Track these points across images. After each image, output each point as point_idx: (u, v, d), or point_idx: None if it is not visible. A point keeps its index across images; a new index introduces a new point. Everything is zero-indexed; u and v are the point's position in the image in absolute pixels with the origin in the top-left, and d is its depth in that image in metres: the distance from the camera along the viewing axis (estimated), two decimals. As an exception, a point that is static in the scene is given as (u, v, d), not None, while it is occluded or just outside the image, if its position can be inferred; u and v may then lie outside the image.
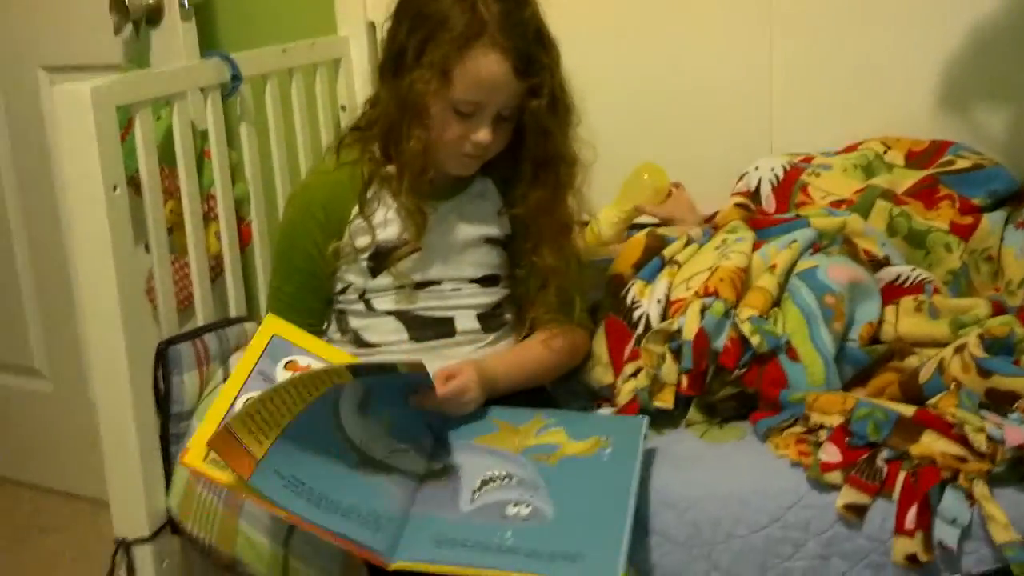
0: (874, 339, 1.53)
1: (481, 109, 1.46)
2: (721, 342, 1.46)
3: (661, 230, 1.76)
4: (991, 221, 1.72)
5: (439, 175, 1.55)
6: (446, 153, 1.51)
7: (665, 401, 1.47)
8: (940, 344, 1.48)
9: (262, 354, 1.40)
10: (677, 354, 1.48)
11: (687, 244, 1.69)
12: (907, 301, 1.56)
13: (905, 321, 1.54)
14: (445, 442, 1.42)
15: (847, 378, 1.48)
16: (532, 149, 1.52)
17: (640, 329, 1.57)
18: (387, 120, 1.51)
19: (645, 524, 1.34)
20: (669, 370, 1.47)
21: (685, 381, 1.47)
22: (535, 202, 1.54)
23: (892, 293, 1.60)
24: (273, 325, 1.45)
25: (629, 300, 1.61)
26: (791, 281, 1.54)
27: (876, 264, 1.63)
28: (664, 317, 1.56)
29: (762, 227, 1.70)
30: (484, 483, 1.34)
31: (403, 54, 1.48)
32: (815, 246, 1.61)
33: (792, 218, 1.73)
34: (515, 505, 1.30)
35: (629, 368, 1.55)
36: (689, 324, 1.47)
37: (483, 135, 1.47)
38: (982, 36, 1.88)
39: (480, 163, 1.54)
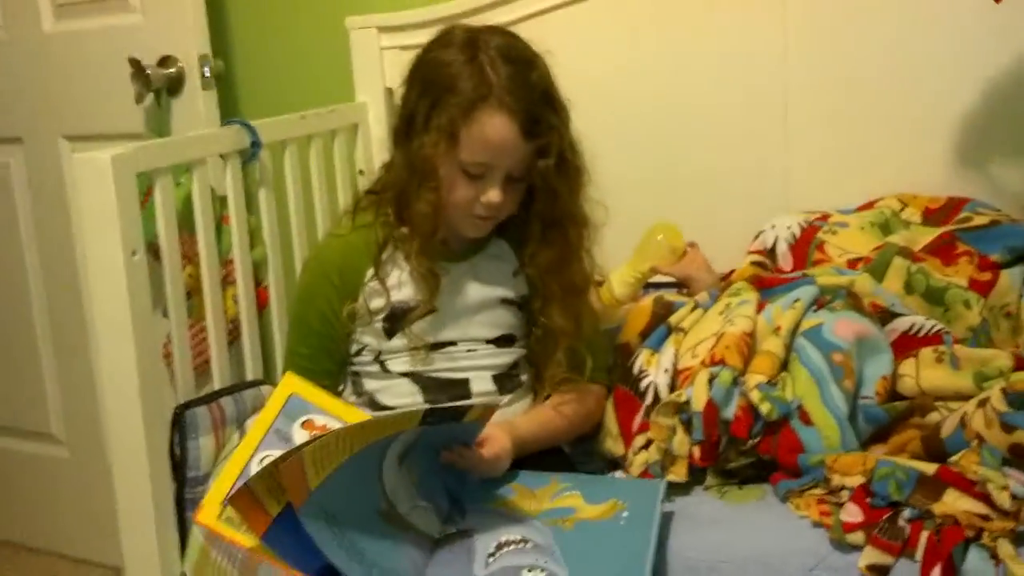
0: (893, 394, 1.52)
1: (490, 171, 1.47)
2: (731, 411, 1.45)
3: (668, 296, 1.76)
4: (1010, 277, 1.71)
5: (453, 237, 1.56)
6: (458, 215, 1.52)
7: (678, 475, 1.46)
8: (964, 397, 1.46)
9: (279, 413, 1.40)
10: (687, 426, 1.46)
11: (694, 309, 1.68)
12: (927, 353, 1.55)
13: (927, 374, 1.52)
14: (460, 505, 1.41)
15: (866, 436, 1.47)
16: (541, 209, 1.53)
17: (648, 399, 1.56)
18: (399, 183, 1.53)
19: (665, 587, 1.32)
20: (680, 442, 1.46)
21: (697, 452, 1.45)
22: (544, 262, 1.55)
23: (908, 344, 1.58)
24: (291, 384, 1.45)
25: (636, 369, 1.61)
26: (797, 341, 1.53)
27: (885, 316, 1.62)
28: (672, 386, 1.55)
29: (767, 287, 1.69)
30: (499, 547, 1.32)
31: (414, 118, 1.50)
32: (819, 302, 1.61)
33: (797, 277, 1.73)
34: (530, 570, 1.28)
35: (639, 440, 1.53)
36: (698, 395, 1.46)
37: (493, 196, 1.48)
38: (997, 91, 1.88)
39: (493, 225, 1.55)
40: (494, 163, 1.46)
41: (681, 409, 1.47)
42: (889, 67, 1.94)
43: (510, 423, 1.51)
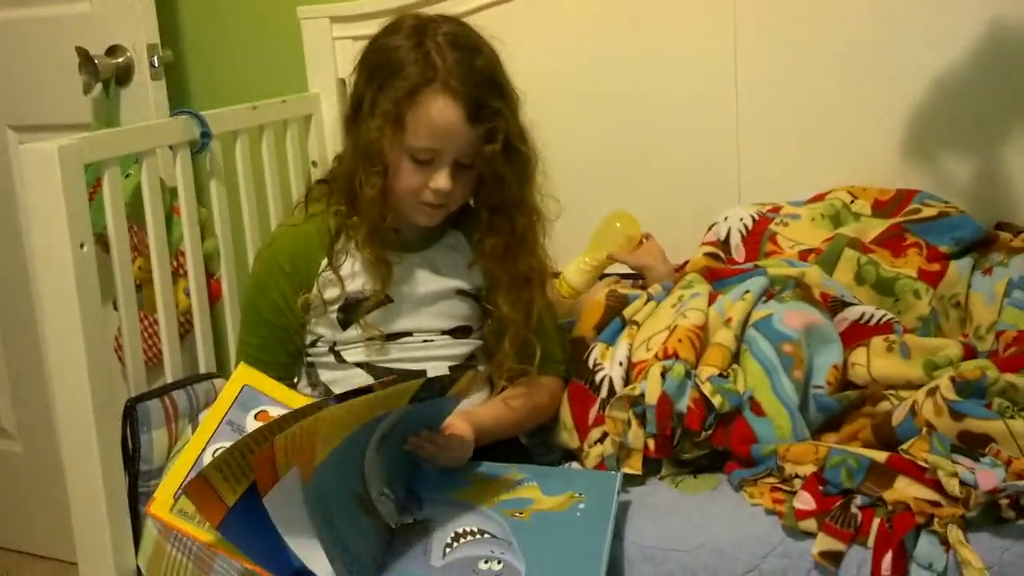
0: (844, 383, 1.54)
1: (438, 156, 1.46)
2: (684, 404, 1.45)
3: (621, 289, 1.77)
4: (958, 268, 1.74)
5: (408, 227, 1.55)
6: (408, 202, 1.51)
7: (634, 467, 1.47)
8: (914, 386, 1.48)
9: (232, 404, 1.39)
10: (642, 419, 1.47)
11: (647, 302, 1.69)
12: (878, 341, 1.57)
13: (878, 363, 1.54)
14: (417, 495, 1.41)
15: (817, 425, 1.49)
16: (487, 196, 1.53)
17: (603, 393, 1.56)
18: (347, 170, 1.52)
19: (621, 576, 1.32)
20: (635, 435, 1.47)
21: (652, 445, 1.46)
22: (491, 249, 1.54)
23: (859, 332, 1.60)
24: (245, 375, 1.44)
25: (591, 363, 1.61)
26: (747, 332, 1.54)
27: (836, 305, 1.64)
28: (627, 380, 1.56)
29: (719, 278, 1.70)
30: (456, 537, 1.32)
31: (361, 103, 1.49)
32: (768, 292, 1.62)
33: (748, 268, 1.74)
34: (487, 561, 1.28)
35: (595, 433, 1.54)
36: (651, 388, 1.47)
37: (441, 182, 1.47)
38: (946, 85, 1.91)
39: (444, 213, 1.54)
40: (440, 148, 1.46)
41: (635, 402, 1.48)
42: (838, 61, 1.96)
43: (469, 412, 1.51)
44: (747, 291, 1.60)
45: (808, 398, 1.49)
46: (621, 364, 1.57)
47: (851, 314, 1.63)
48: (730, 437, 1.45)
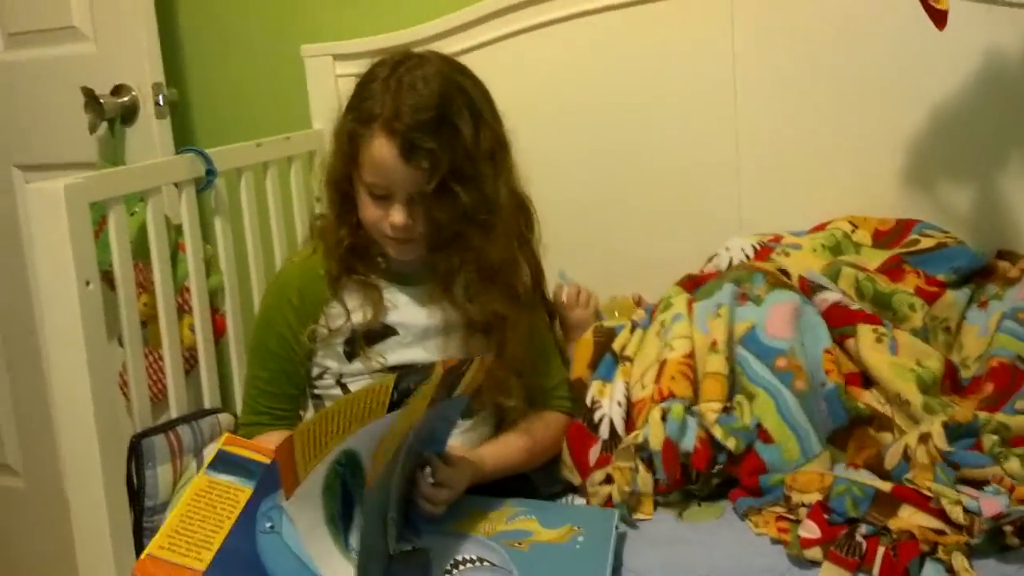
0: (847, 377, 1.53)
1: (391, 192, 1.46)
2: (689, 442, 1.45)
3: (606, 323, 1.77)
4: (955, 296, 1.74)
5: (411, 259, 1.56)
6: (375, 234, 1.52)
7: (646, 513, 1.46)
8: (903, 401, 1.49)
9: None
10: (648, 463, 1.46)
11: (633, 330, 1.69)
12: (867, 332, 1.56)
13: (868, 354, 1.54)
14: (414, 524, 1.40)
15: (829, 431, 1.49)
16: (427, 234, 1.51)
17: (604, 433, 1.55)
18: (331, 203, 1.55)
19: (624, 608, 1.32)
20: (644, 480, 1.46)
21: (662, 487, 1.46)
22: (453, 288, 1.54)
23: (842, 314, 1.59)
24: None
25: (589, 402, 1.60)
26: (736, 352, 1.54)
27: (813, 287, 1.65)
28: (627, 419, 1.55)
29: (697, 285, 1.71)
30: (455, 565, 1.31)
31: (340, 139, 1.52)
32: (741, 295, 1.60)
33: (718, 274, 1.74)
34: None
35: (598, 475, 1.52)
36: (654, 434, 1.46)
37: (396, 217, 1.47)
38: (946, 114, 1.92)
39: (415, 247, 1.52)
40: (387, 185, 1.46)
41: (641, 447, 1.47)
42: (837, 92, 1.97)
43: (479, 457, 1.51)
44: (719, 305, 1.59)
45: (816, 398, 1.48)
46: (620, 404, 1.57)
47: (830, 296, 1.63)
48: (741, 471, 1.45)
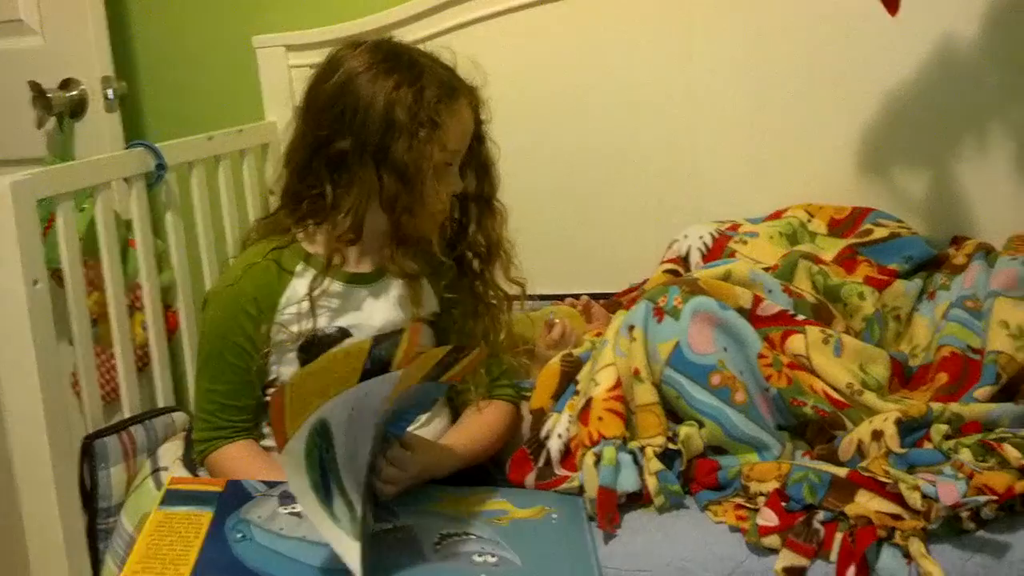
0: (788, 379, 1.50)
1: (455, 160, 1.50)
2: (631, 482, 1.40)
3: (576, 351, 1.68)
4: (906, 285, 1.75)
5: (366, 258, 1.54)
6: (429, 223, 1.52)
7: None
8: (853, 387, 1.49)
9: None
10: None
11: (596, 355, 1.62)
12: (815, 332, 1.55)
13: (815, 355, 1.53)
14: (391, 507, 1.37)
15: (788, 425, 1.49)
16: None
17: (540, 462, 1.51)
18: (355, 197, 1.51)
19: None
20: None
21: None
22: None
23: (790, 324, 1.57)
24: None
25: (543, 433, 1.54)
26: (666, 375, 1.47)
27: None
28: (564, 453, 1.50)
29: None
30: (444, 537, 1.30)
31: (413, 122, 1.48)
32: (657, 311, 1.52)
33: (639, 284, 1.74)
34: (480, 555, 1.27)
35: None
36: (588, 480, 1.41)
37: (458, 183, 1.52)
38: (900, 102, 1.94)
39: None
40: (462, 149, 1.51)
41: (580, 491, 1.43)
42: (793, 80, 1.99)
43: (449, 445, 1.51)
44: (631, 327, 1.52)
45: (760, 403, 1.47)
46: (560, 436, 1.52)
47: (780, 302, 1.61)
48: (696, 473, 1.44)
